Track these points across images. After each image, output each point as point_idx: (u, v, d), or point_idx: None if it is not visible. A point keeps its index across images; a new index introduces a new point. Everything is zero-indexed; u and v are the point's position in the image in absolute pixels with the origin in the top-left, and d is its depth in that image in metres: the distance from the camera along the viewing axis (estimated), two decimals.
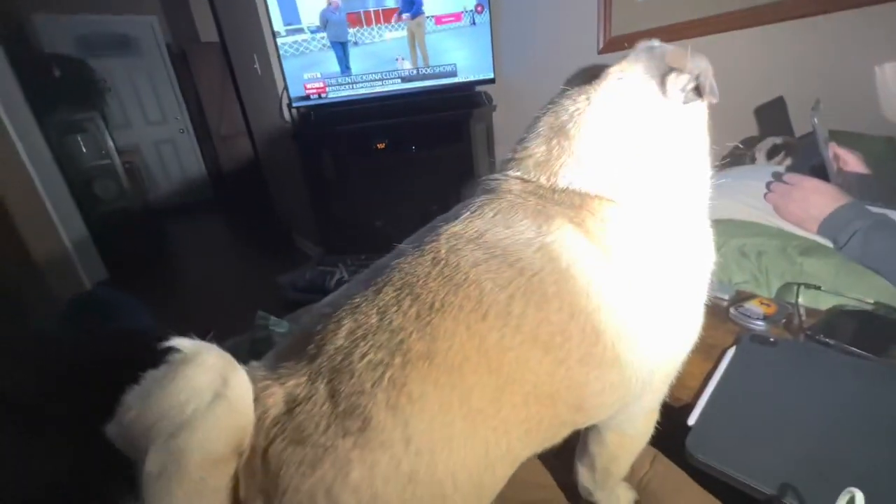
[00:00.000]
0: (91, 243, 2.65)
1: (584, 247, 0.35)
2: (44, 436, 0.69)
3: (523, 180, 0.39)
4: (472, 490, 0.32)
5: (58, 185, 2.40)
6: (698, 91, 0.37)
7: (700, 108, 0.39)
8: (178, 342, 0.29)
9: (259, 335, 0.84)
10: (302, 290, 2.23)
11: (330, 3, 1.94)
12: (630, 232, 0.36)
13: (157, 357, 0.92)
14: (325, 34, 1.99)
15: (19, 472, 0.65)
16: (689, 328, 0.41)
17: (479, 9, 2.14)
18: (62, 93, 2.84)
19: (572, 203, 0.37)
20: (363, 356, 0.31)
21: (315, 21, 1.97)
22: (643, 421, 0.45)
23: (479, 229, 0.36)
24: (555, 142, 0.39)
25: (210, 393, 0.28)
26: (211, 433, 0.27)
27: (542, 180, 0.38)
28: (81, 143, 2.83)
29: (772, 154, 1.16)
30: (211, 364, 0.29)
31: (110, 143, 3.02)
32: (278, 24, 1.95)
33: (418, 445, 0.29)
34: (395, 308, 0.32)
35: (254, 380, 0.31)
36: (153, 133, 4.64)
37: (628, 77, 0.38)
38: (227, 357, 0.30)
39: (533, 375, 0.32)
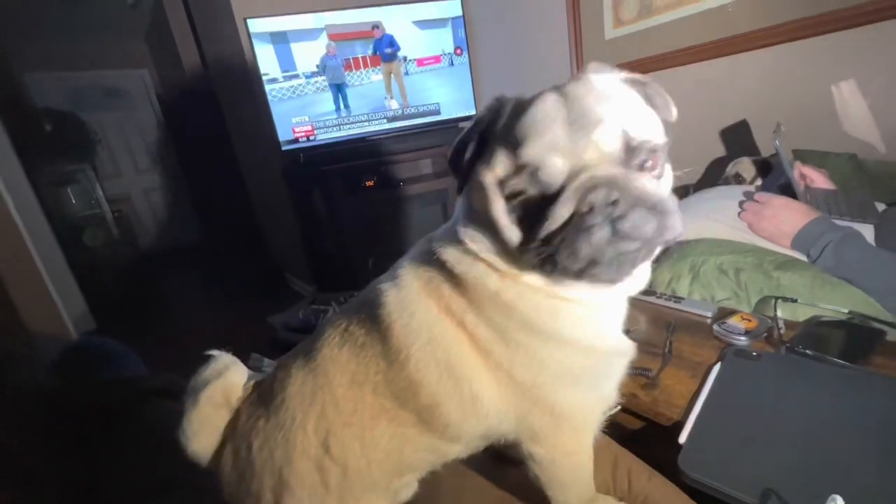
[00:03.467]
0: (78, 292, 2.62)
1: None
2: (31, 485, 0.68)
3: None
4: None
5: (45, 236, 2.39)
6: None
7: None
8: (213, 352, 0.51)
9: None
10: (295, 329, 2.21)
11: (328, 51, 2.13)
12: None
13: (146, 403, 0.91)
14: (318, 78, 2.16)
15: None
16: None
17: (458, 52, 2.27)
18: (53, 146, 2.88)
19: None
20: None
21: (309, 68, 2.14)
22: (562, 444, 0.45)
23: None
24: None
25: (222, 370, 0.49)
26: (218, 390, 0.48)
27: None
28: (71, 195, 2.84)
29: (738, 179, 1.22)
30: (226, 359, 0.51)
31: (100, 193, 3.05)
32: (276, 71, 2.10)
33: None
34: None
35: (248, 377, 0.51)
36: (143, 181, 4.68)
37: None
38: (235, 359, 0.51)
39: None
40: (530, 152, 0.34)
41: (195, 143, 3.79)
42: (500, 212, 0.37)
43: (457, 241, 0.42)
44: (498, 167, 0.36)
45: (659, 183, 0.36)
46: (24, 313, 1.86)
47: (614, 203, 0.32)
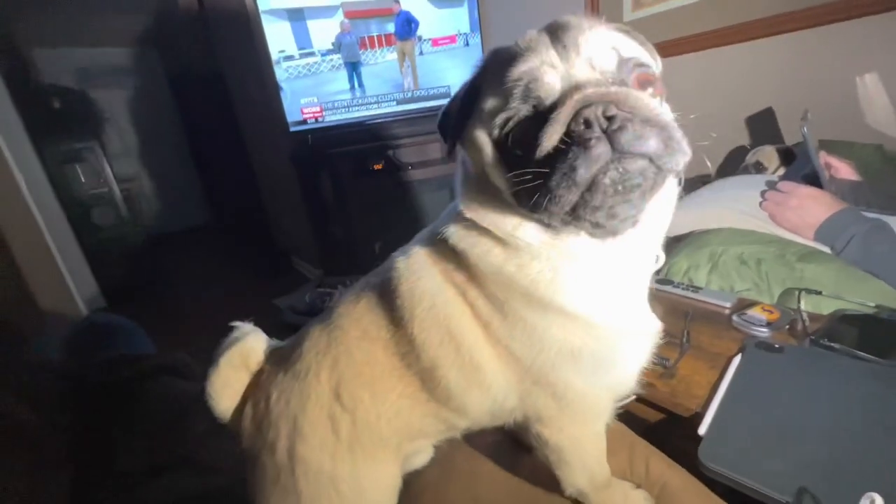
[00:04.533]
0: (88, 271, 2.64)
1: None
2: (44, 462, 0.68)
3: None
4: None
5: (56, 214, 2.40)
6: None
7: None
8: (236, 323, 0.53)
9: None
10: (301, 313, 2.22)
11: (343, 29, 2.10)
12: None
13: (154, 380, 0.91)
14: (333, 56, 2.14)
15: (21, 498, 0.63)
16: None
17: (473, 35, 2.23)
18: (62, 123, 2.87)
19: None
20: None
21: (325, 45, 2.12)
22: (569, 429, 0.44)
23: None
24: None
25: (240, 336, 0.51)
26: (236, 354, 0.50)
27: None
28: (80, 172, 2.84)
29: (759, 168, 1.18)
30: (246, 328, 0.53)
31: (109, 171, 3.04)
32: (292, 48, 2.08)
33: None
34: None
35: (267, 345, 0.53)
36: (152, 160, 4.69)
37: None
38: (255, 328, 0.54)
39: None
40: (522, 68, 0.33)
41: (204, 123, 3.78)
42: (491, 156, 0.36)
43: (460, 217, 0.42)
44: (488, 102, 0.35)
45: (661, 104, 0.33)
46: (36, 290, 1.87)
47: (612, 118, 0.29)
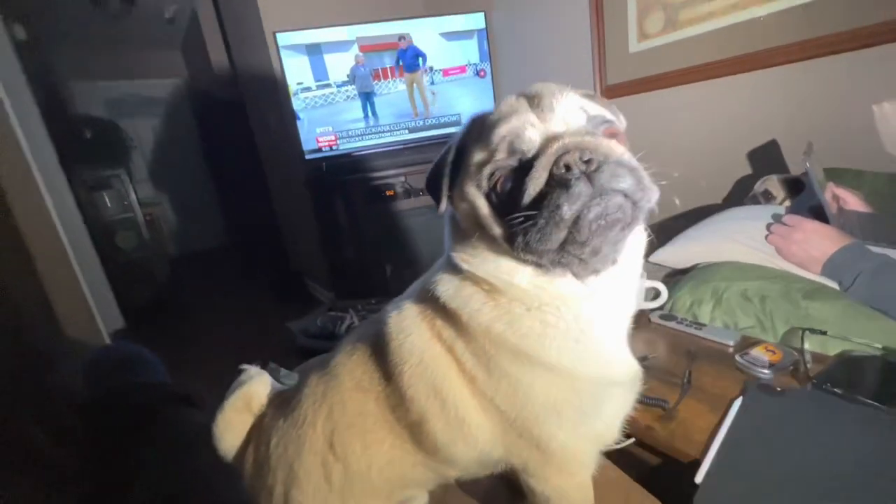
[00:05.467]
0: (110, 292, 2.72)
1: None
2: (59, 485, 0.71)
3: None
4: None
5: (82, 239, 2.50)
6: None
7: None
8: (244, 367, 0.56)
9: None
10: (313, 336, 2.24)
11: (357, 62, 2.22)
12: None
13: (169, 409, 0.94)
14: (348, 87, 2.26)
15: None
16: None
17: (481, 73, 2.31)
18: (92, 152, 3.03)
19: None
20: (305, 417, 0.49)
21: (340, 77, 2.24)
22: (555, 480, 0.45)
23: None
24: None
25: (246, 380, 0.54)
26: (240, 397, 0.53)
27: None
28: (107, 199, 2.98)
29: (767, 196, 1.18)
30: (252, 371, 0.55)
31: (133, 197, 3.18)
32: (310, 81, 2.20)
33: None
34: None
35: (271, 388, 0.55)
36: (174, 185, 4.86)
37: None
38: (262, 371, 0.55)
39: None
40: (506, 127, 0.37)
41: (224, 150, 3.93)
42: (484, 208, 0.39)
43: (450, 271, 0.44)
44: (476, 157, 0.39)
45: (628, 153, 0.37)
46: (61, 314, 1.94)
47: (588, 161, 0.33)
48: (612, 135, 0.37)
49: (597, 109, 0.38)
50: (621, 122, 0.41)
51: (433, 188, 0.43)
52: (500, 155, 0.36)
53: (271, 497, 0.48)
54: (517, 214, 0.35)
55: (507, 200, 0.36)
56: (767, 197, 1.20)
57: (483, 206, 0.39)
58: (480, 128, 0.39)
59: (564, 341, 0.40)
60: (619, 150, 0.35)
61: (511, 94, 0.40)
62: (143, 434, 0.82)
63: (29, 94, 2.41)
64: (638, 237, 0.42)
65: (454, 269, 0.43)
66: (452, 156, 0.41)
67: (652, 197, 0.35)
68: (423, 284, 0.47)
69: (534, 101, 0.38)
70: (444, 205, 0.42)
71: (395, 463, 0.46)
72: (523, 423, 0.41)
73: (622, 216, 0.34)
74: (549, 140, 0.35)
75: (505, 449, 0.44)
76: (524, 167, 0.35)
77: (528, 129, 0.36)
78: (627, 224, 0.35)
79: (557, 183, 0.33)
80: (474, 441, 0.43)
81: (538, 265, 0.39)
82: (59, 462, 0.80)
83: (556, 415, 0.41)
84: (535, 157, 0.35)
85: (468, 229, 0.42)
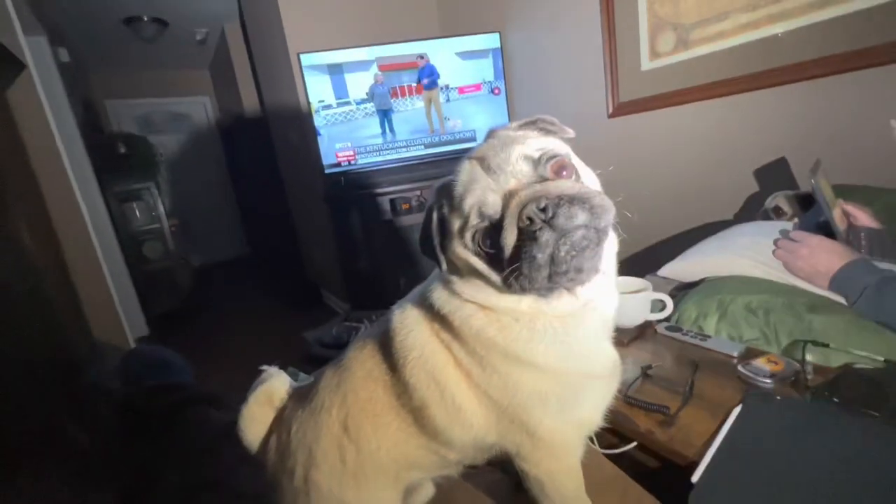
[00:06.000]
0: (136, 300, 2.84)
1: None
2: (93, 479, 0.76)
3: None
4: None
5: (113, 248, 2.64)
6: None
7: None
8: (264, 367, 0.62)
9: None
10: (328, 345, 2.29)
11: (376, 80, 2.32)
12: None
13: (193, 409, 1.01)
14: (367, 105, 2.35)
15: None
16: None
17: (496, 91, 2.38)
18: (124, 166, 3.19)
19: None
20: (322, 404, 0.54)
21: (360, 95, 2.34)
22: (545, 463, 0.48)
23: None
24: None
25: (267, 378, 0.60)
26: (262, 393, 0.58)
27: None
28: (136, 210, 3.12)
29: (778, 213, 1.19)
30: (272, 370, 0.61)
31: (161, 209, 3.32)
32: (331, 98, 2.32)
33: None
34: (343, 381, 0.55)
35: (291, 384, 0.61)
36: (199, 197, 5.04)
37: None
38: (280, 370, 0.62)
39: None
40: (470, 201, 0.42)
41: (246, 164, 4.08)
42: (479, 263, 0.44)
43: (444, 283, 0.49)
44: (455, 225, 0.44)
45: (578, 182, 0.42)
46: (92, 319, 2.04)
47: (544, 209, 0.37)
48: (561, 167, 0.42)
49: (539, 144, 0.43)
50: (568, 133, 0.47)
51: (428, 251, 0.48)
52: (474, 220, 0.42)
53: (293, 478, 0.52)
54: (505, 271, 0.41)
55: (492, 253, 0.42)
56: (778, 213, 1.21)
57: (476, 262, 0.44)
58: (450, 196, 0.44)
59: (551, 345, 0.45)
60: (567, 185, 0.40)
61: (463, 158, 0.46)
62: (172, 430, 0.87)
63: (69, 111, 2.57)
64: (610, 242, 0.46)
65: (447, 283, 0.48)
66: (437, 224, 0.47)
67: (608, 216, 0.39)
68: (422, 290, 0.52)
69: (484, 163, 0.43)
70: (444, 265, 0.47)
71: (401, 444, 0.51)
72: (513, 410, 0.46)
73: (588, 241, 0.39)
74: (507, 197, 0.40)
75: (499, 434, 0.48)
76: (496, 225, 0.41)
77: (489, 195, 0.41)
78: (597, 243, 0.40)
79: (526, 236, 0.38)
80: (470, 426, 0.48)
81: (536, 294, 0.44)
82: (94, 455, 0.85)
83: (542, 403, 0.46)
84: (501, 216, 0.40)
85: (465, 275, 0.47)
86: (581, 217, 0.38)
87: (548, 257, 0.38)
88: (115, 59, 4.18)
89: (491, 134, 0.48)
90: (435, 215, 0.47)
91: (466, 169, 0.44)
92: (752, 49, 1.44)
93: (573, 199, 0.38)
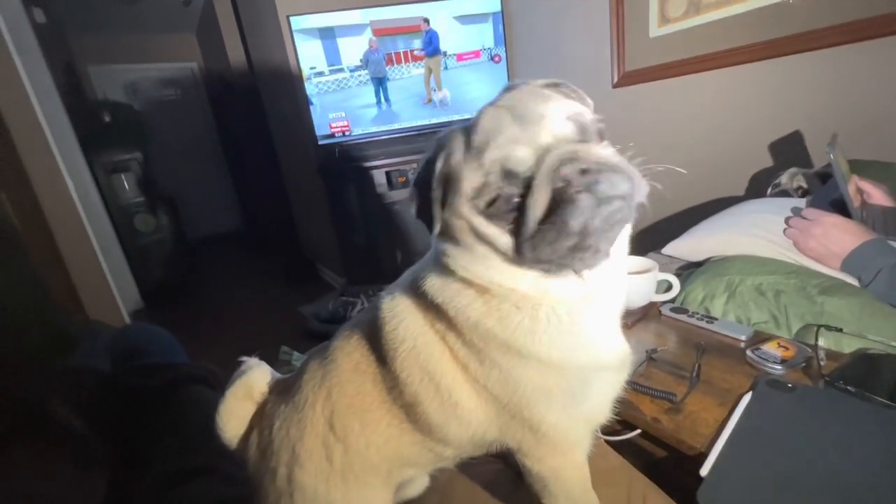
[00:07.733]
0: (129, 274, 2.80)
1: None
2: (84, 463, 0.74)
3: None
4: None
5: (102, 221, 2.57)
6: None
7: None
8: (244, 359, 0.57)
9: (282, 370, 0.88)
10: (324, 320, 2.28)
11: (370, 46, 2.20)
12: None
13: (186, 389, 0.97)
14: (361, 72, 2.24)
15: (63, 497, 0.69)
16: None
17: (496, 58, 2.27)
18: (111, 135, 3.08)
19: None
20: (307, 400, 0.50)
21: (353, 62, 2.23)
22: (549, 460, 0.45)
23: None
24: None
25: (245, 370, 0.55)
26: (241, 386, 0.54)
27: None
28: (125, 181, 3.03)
29: (800, 192, 1.14)
30: (251, 362, 0.57)
31: (151, 180, 3.23)
32: (322, 65, 2.20)
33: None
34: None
35: (272, 376, 0.58)
36: (190, 169, 4.92)
37: None
38: (260, 361, 0.58)
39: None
40: (494, 153, 0.35)
41: (238, 134, 3.96)
42: (485, 226, 0.38)
43: (439, 267, 0.44)
44: (469, 183, 0.37)
45: (617, 154, 0.37)
46: (83, 294, 2.01)
47: (585, 172, 0.33)
48: (601, 134, 0.37)
49: (575, 107, 0.38)
50: (588, 102, 0.41)
51: (424, 215, 0.42)
52: (495, 180, 0.36)
53: (275, 479, 0.49)
54: (528, 234, 0.35)
55: (507, 215, 0.37)
56: (800, 193, 1.16)
57: (483, 224, 0.38)
58: (466, 147, 0.38)
59: (555, 335, 0.41)
60: (609, 154, 0.35)
61: (485, 105, 0.39)
62: (163, 412, 0.85)
63: (49, 76, 2.45)
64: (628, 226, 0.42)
65: (442, 267, 0.43)
66: (439, 178, 0.39)
67: (644, 193, 0.35)
68: (413, 276, 0.48)
69: (515, 111, 0.36)
70: (437, 229, 0.41)
71: (392, 441, 0.48)
72: (515, 406, 0.43)
73: (622, 216, 0.35)
74: (541, 153, 0.34)
75: (499, 430, 0.45)
76: (521, 183, 0.35)
77: (520, 149, 0.35)
78: (626, 221, 0.36)
79: (560, 198, 0.33)
80: (468, 423, 0.45)
81: (542, 269, 0.39)
82: (82, 435, 0.83)
83: (546, 398, 0.42)
84: (531, 174, 0.34)
85: (464, 240, 0.40)
86: (623, 186, 0.33)
87: (581, 225, 0.33)
88: (96, 23, 3.97)
89: (512, 87, 0.41)
90: (439, 166, 0.39)
91: (491, 115, 0.37)
92: (765, 14, 1.36)
93: (615, 168, 0.34)
